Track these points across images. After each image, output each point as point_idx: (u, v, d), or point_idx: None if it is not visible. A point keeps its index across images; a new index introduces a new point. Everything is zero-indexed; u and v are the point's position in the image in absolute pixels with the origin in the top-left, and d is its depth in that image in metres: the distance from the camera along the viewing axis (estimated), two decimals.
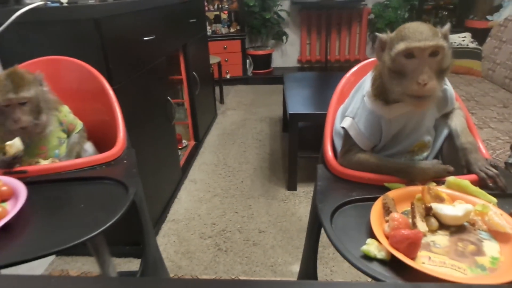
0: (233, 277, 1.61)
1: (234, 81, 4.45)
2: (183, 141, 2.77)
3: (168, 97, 2.16)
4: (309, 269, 0.98)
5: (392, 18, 4.25)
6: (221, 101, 3.83)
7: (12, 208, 0.72)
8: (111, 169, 0.90)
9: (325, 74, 3.41)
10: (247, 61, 4.45)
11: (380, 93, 0.86)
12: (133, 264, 1.70)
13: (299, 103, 2.35)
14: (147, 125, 1.83)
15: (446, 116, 0.95)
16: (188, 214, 2.06)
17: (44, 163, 0.91)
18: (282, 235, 1.87)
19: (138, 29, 1.74)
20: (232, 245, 1.81)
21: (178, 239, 1.86)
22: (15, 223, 0.70)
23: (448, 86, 0.92)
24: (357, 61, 4.61)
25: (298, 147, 2.19)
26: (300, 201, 2.15)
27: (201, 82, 2.80)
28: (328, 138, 0.99)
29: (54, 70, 1.12)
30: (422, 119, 0.89)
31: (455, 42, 3.47)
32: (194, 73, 2.68)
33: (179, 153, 2.52)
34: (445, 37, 0.79)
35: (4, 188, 0.76)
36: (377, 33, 0.83)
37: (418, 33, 0.77)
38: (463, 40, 3.55)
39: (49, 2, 1.42)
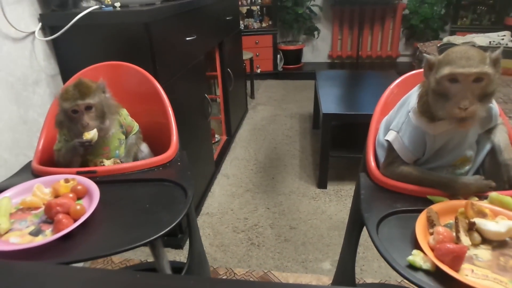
0: (265, 271, 1.68)
1: (264, 75, 4.49)
2: (216, 135, 2.85)
3: (205, 94, 2.23)
4: (347, 270, 1.03)
5: (428, 14, 4.16)
6: (252, 96, 3.89)
7: (87, 206, 0.81)
8: (168, 171, 0.97)
9: (357, 73, 3.41)
10: (278, 56, 4.48)
11: (426, 110, 0.89)
12: (171, 254, 1.80)
13: (332, 102, 2.38)
14: (186, 121, 1.91)
15: (489, 131, 0.97)
16: (222, 208, 2.15)
17: (108, 163, 1.00)
18: (313, 232, 1.93)
19: (181, 30, 1.81)
20: (264, 240, 1.88)
21: (212, 232, 1.95)
22: (91, 220, 0.78)
23: (493, 104, 0.94)
24: (389, 58, 4.59)
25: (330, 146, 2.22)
26: (330, 200, 2.20)
27: (235, 77, 2.86)
28: (370, 148, 1.03)
29: (114, 74, 1.20)
30: (465, 135, 0.92)
31: (494, 41, 3.39)
32: (228, 69, 2.75)
33: (213, 147, 2.60)
34: (495, 62, 0.81)
35: (79, 187, 0.85)
36: (426, 54, 0.86)
37: (465, 59, 0.79)
38: (502, 39, 3.45)
39: (103, 6, 1.50)
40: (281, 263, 1.73)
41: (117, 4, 1.54)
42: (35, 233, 0.75)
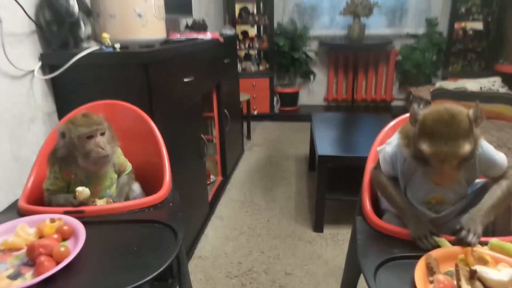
0: None
1: (261, 117, 4.54)
2: (211, 176, 2.83)
3: (202, 135, 2.24)
4: None
5: (420, 60, 4.31)
6: (248, 137, 3.91)
7: (72, 247, 0.77)
8: (159, 212, 0.94)
9: (352, 115, 3.46)
10: (275, 98, 4.56)
11: (405, 136, 0.93)
12: None
13: (328, 144, 2.38)
14: (181, 161, 1.90)
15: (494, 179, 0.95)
16: (215, 251, 2.08)
17: (100, 203, 0.97)
18: (309, 278, 1.85)
19: (179, 72, 1.85)
20: (258, 286, 1.80)
21: (204, 277, 1.87)
22: (75, 263, 0.74)
23: (482, 149, 0.91)
24: (384, 101, 4.68)
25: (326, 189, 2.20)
26: (326, 244, 2.14)
27: (231, 118, 2.89)
28: (366, 191, 1.01)
29: (110, 113, 1.20)
30: None
31: (485, 87, 3.47)
32: (225, 110, 2.78)
33: (207, 188, 2.57)
34: (476, 118, 0.81)
35: (65, 227, 0.82)
36: (414, 105, 0.88)
37: (444, 139, 0.79)
38: (493, 85, 3.54)
39: (104, 48, 1.54)
40: None
41: (117, 46, 1.58)
42: (14, 276, 0.71)
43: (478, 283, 0.70)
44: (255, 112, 4.50)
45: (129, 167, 1.13)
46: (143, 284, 0.69)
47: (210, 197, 2.54)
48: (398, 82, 4.71)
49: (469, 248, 0.76)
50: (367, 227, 0.91)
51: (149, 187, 1.15)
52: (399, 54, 4.49)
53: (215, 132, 2.81)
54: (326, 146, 2.33)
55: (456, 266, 0.73)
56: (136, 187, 1.13)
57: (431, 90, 3.47)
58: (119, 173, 1.11)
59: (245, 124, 3.79)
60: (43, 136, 1.53)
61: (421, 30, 4.48)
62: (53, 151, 1.03)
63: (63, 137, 0.99)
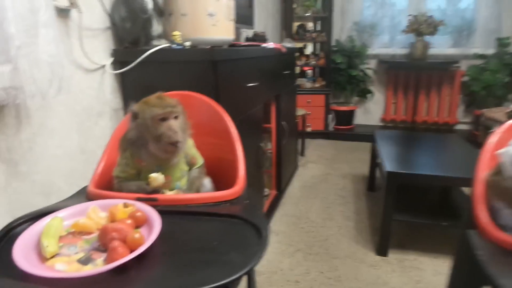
0: None
1: (315, 134, 4.40)
2: (265, 189, 2.71)
3: (260, 144, 2.15)
4: None
5: (490, 81, 3.99)
6: (302, 153, 3.78)
7: (147, 236, 0.68)
8: (235, 208, 0.84)
9: (417, 134, 3.22)
10: (330, 116, 4.41)
11: None
12: None
13: (396, 162, 2.19)
14: None
15: None
16: (270, 266, 1.94)
17: (170, 194, 0.89)
18: None
19: (244, 75, 1.79)
20: None
21: None
22: (150, 252, 0.65)
23: None
24: (446, 124, 4.36)
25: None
26: (393, 269, 1.92)
27: (288, 132, 2.78)
28: (480, 202, 0.84)
29: (184, 104, 1.14)
30: None
31: None
32: (283, 123, 2.68)
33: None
34: None
35: (139, 213, 0.73)
36: None
37: None
38: None
39: (174, 45, 1.51)
40: None
41: (187, 44, 1.55)
42: (84, 261, 0.63)
43: None
44: (309, 129, 4.37)
45: (200, 160, 1.05)
46: (228, 283, 0.58)
47: (264, 209, 2.42)
48: (464, 105, 4.39)
49: None
50: (487, 243, 0.75)
51: (220, 185, 1.06)
52: (465, 74, 4.19)
53: (271, 144, 2.71)
54: (395, 163, 2.14)
55: None
56: (207, 182, 1.04)
57: (507, 111, 3.16)
58: (190, 166, 1.03)
59: (299, 141, 3.67)
60: (109, 131, 1.51)
61: (490, 50, 4.16)
62: (124, 134, 0.97)
63: (135, 118, 0.93)
